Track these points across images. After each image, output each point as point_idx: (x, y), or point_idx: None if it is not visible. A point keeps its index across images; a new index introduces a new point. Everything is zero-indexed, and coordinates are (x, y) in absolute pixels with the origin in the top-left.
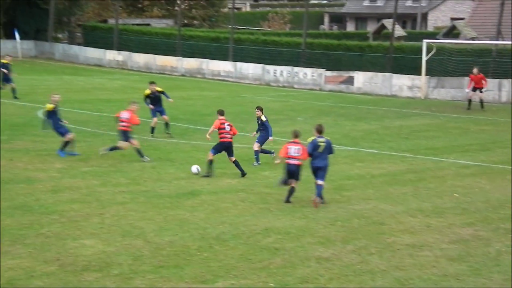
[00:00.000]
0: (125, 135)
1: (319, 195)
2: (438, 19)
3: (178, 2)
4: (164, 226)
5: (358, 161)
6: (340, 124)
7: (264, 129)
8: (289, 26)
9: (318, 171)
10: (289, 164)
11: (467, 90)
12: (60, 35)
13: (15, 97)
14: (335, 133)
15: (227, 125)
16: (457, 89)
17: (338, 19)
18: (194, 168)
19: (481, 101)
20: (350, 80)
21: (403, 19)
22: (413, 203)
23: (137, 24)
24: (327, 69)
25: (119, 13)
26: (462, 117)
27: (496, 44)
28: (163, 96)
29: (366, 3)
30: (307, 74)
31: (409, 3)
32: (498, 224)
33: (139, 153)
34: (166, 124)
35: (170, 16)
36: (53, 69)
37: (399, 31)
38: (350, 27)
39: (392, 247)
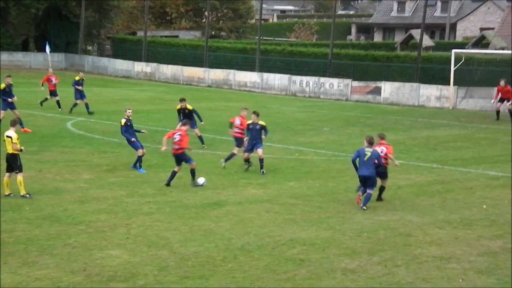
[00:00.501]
0: (238, 141)
1: (366, 201)
2: (467, 29)
3: (206, 14)
4: (189, 236)
5: None
6: (366, 134)
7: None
8: (316, 37)
9: (365, 181)
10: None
11: (493, 101)
12: (89, 48)
13: (90, 113)
14: (361, 143)
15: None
16: (486, 99)
17: (366, 29)
18: (201, 180)
19: (510, 112)
20: (377, 90)
21: (432, 29)
22: (440, 214)
23: (165, 36)
24: (354, 79)
25: (147, 25)
26: (491, 127)
27: None
28: (195, 115)
29: (393, 14)
30: (333, 85)
31: (437, 13)
32: None
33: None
34: (200, 138)
35: (198, 27)
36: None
37: (427, 41)
38: (378, 38)
39: (419, 259)
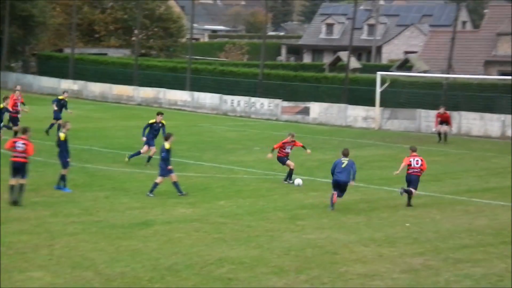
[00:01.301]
0: (282, 160)
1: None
2: (392, 52)
3: (136, 32)
4: (115, 257)
5: (312, 190)
6: (295, 153)
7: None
8: (246, 57)
9: (337, 186)
10: (409, 174)
11: (434, 129)
12: (13, 65)
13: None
14: (309, 160)
15: None
16: (410, 120)
17: (295, 50)
18: (298, 181)
19: (445, 135)
20: (306, 111)
21: (359, 51)
22: (366, 232)
23: (94, 54)
24: (284, 100)
25: (75, 42)
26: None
27: (447, 78)
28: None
29: (322, 36)
30: (264, 104)
31: (364, 36)
32: (448, 254)
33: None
34: (149, 158)
35: (128, 45)
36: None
37: (354, 63)
38: (307, 59)
39: (344, 277)
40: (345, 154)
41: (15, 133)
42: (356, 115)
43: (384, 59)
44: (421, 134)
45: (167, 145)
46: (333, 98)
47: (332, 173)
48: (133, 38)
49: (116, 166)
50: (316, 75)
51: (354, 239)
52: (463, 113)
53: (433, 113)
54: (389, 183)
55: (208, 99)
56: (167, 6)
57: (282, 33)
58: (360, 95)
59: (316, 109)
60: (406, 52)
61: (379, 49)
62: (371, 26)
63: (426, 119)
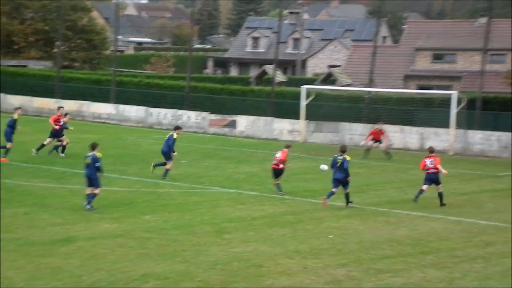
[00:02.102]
0: (276, 173)
1: (347, 201)
2: (316, 66)
3: (58, 43)
4: (35, 275)
5: (239, 203)
6: (222, 166)
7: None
8: (173, 70)
9: (338, 183)
10: (428, 173)
11: (362, 142)
12: None
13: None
14: (218, 175)
15: None
16: (334, 133)
17: (222, 63)
18: (324, 167)
19: (385, 152)
20: (233, 124)
21: (284, 65)
22: (291, 244)
23: (13, 66)
24: (211, 113)
25: None
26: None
27: (368, 91)
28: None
29: (248, 49)
30: (190, 117)
31: (289, 50)
32: (370, 265)
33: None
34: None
35: (49, 57)
36: None
37: (280, 76)
38: (234, 72)
39: None
40: (343, 151)
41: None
42: (282, 128)
43: (309, 73)
44: None
45: (99, 154)
46: (260, 111)
47: (332, 168)
48: (55, 50)
49: (37, 181)
50: (242, 88)
51: (279, 252)
52: (384, 126)
53: (355, 126)
54: (314, 195)
55: (133, 112)
56: (90, 18)
57: (208, 46)
58: (286, 108)
59: (243, 122)
60: (330, 66)
61: (304, 63)
62: (296, 40)
63: (349, 132)
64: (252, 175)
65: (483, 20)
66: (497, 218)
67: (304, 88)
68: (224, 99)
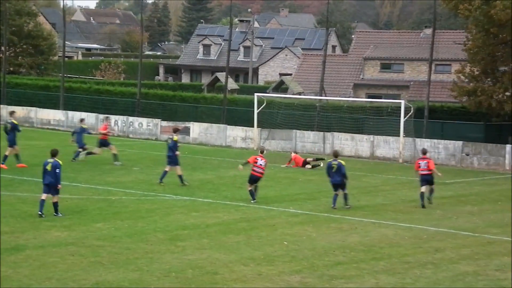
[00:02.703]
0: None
1: (346, 201)
2: (268, 74)
3: (2, 49)
4: None
5: (193, 210)
6: (173, 174)
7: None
8: (123, 76)
9: (337, 186)
10: (422, 175)
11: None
12: None
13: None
14: (170, 183)
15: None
16: (286, 140)
17: (173, 70)
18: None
19: (313, 166)
20: (186, 131)
21: (236, 72)
22: (245, 251)
23: None
24: (163, 119)
25: None
26: (291, 167)
27: (319, 99)
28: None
29: (200, 56)
30: (142, 124)
31: (240, 58)
32: (323, 271)
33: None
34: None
35: None
36: None
37: (232, 84)
38: (185, 79)
39: None
40: (335, 155)
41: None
42: (235, 135)
43: (261, 81)
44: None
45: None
46: (213, 119)
47: (328, 175)
48: (0, 55)
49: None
50: (195, 95)
51: (234, 259)
52: (336, 133)
53: (308, 134)
54: (268, 202)
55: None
56: (37, 23)
57: (159, 53)
58: (238, 115)
59: (196, 129)
60: (281, 74)
61: (255, 71)
62: (247, 48)
63: (301, 140)
64: (206, 182)
65: (428, 31)
66: (446, 225)
67: (256, 95)
68: (176, 106)
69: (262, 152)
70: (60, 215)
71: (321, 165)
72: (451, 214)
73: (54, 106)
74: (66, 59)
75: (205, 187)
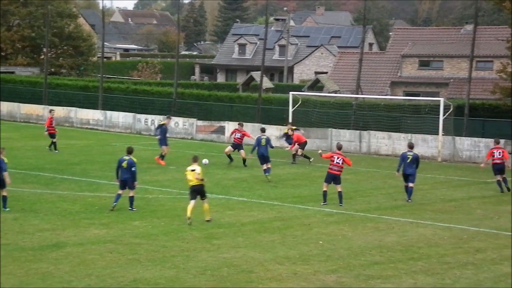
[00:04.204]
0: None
1: (410, 195)
2: (303, 72)
3: (45, 50)
4: (25, 280)
5: (228, 209)
6: (211, 172)
7: None
8: (160, 76)
9: (408, 177)
10: (495, 164)
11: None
12: None
13: None
14: (206, 181)
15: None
16: (322, 139)
17: (209, 70)
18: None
19: (304, 156)
20: (221, 130)
21: (271, 71)
22: (280, 250)
23: (0, 72)
24: (199, 119)
25: None
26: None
27: (356, 98)
28: None
29: (235, 56)
30: (178, 124)
31: (276, 57)
32: (360, 271)
33: None
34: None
35: (36, 64)
36: None
37: (267, 83)
38: (221, 78)
39: None
40: (410, 147)
41: None
42: (269, 134)
43: (296, 79)
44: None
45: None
46: (247, 118)
47: (400, 165)
48: (42, 57)
49: (26, 187)
50: (230, 95)
51: (269, 258)
52: (372, 132)
53: (343, 132)
54: (303, 201)
55: (121, 118)
56: (77, 25)
57: (195, 53)
58: (273, 114)
59: (231, 128)
60: (317, 73)
61: (290, 69)
62: (282, 47)
63: (337, 138)
64: (240, 181)
65: (470, 27)
66: (487, 225)
67: (291, 94)
68: (212, 106)
69: (339, 148)
70: (135, 209)
71: (311, 160)
72: (493, 214)
73: (93, 106)
74: (104, 59)
75: (239, 186)
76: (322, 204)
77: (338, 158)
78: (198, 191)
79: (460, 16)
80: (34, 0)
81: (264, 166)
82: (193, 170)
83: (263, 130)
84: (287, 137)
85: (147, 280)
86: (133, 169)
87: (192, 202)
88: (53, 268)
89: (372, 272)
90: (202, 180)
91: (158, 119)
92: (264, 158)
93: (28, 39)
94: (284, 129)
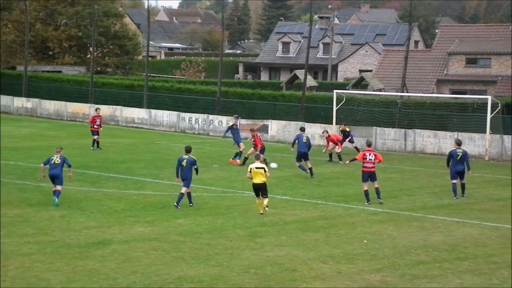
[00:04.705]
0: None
1: (463, 191)
2: (347, 70)
3: (91, 49)
4: (72, 277)
5: (271, 207)
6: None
7: None
8: (204, 75)
9: (460, 174)
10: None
11: (324, 150)
12: None
13: None
14: (249, 180)
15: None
16: (366, 137)
17: (252, 68)
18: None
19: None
20: (264, 128)
21: (315, 69)
22: (324, 249)
23: (47, 71)
24: (242, 117)
25: (28, 60)
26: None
27: (401, 96)
28: None
29: (279, 54)
30: (222, 122)
31: (320, 55)
32: (405, 270)
33: None
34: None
35: (83, 63)
36: None
37: (310, 81)
38: (264, 77)
39: None
40: (458, 144)
41: None
42: (313, 132)
43: (340, 77)
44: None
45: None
46: (291, 116)
47: (449, 163)
48: (88, 56)
49: (72, 185)
50: (273, 93)
51: (313, 256)
52: (418, 130)
53: (388, 131)
54: (347, 200)
55: (165, 116)
56: (122, 24)
57: (239, 51)
58: (317, 113)
59: (274, 126)
60: (361, 71)
61: (335, 67)
62: (327, 45)
63: (382, 137)
64: (283, 180)
65: None
66: None
67: (335, 92)
68: (255, 104)
69: (369, 145)
70: (191, 205)
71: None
72: None
73: (138, 104)
74: (149, 58)
75: (283, 185)
76: (366, 203)
77: (370, 154)
78: (261, 189)
79: (508, 13)
80: (81, 0)
81: (308, 164)
82: (259, 168)
83: (302, 129)
84: (345, 136)
85: (191, 277)
86: (195, 166)
87: (258, 199)
88: (99, 265)
89: (418, 272)
90: (267, 177)
91: (202, 118)
92: (304, 156)
93: (75, 38)
94: (339, 127)
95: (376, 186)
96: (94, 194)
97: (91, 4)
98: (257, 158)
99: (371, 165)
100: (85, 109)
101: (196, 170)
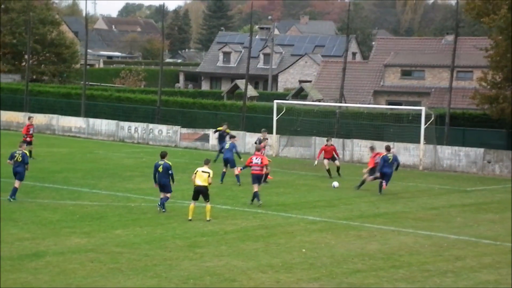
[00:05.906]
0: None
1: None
2: (287, 81)
3: (26, 57)
4: None
5: (212, 217)
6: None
7: None
8: (144, 84)
9: (386, 175)
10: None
11: (316, 162)
12: None
13: None
14: (189, 189)
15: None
16: (305, 147)
17: (193, 77)
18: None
19: (338, 168)
20: (205, 138)
21: (256, 79)
22: (263, 259)
23: None
24: (183, 126)
25: None
26: (310, 174)
27: (339, 106)
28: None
29: (219, 64)
30: (162, 131)
31: (260, 65)
32: (342, 279)
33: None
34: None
35: (18, 71)
36: None
37: (251, 91)
38: (205, 86)
39: None
40: (388, 149)
41: None
42: (254, 142)
43: (280, 88)
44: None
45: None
46: (232, 125)
47: (381, 167)
48: (24, 63)
49: (5, 195)
50: (214, 103)
51: (252, 266)
52: (355, 140)
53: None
54: (286, 209)
55: (104, 125)
56: (59, 32)
57: (179, 60)
58: (257, 122)
59: (215, 136)
60: (301, 81)
61: (275, 78)
62: (267, 55)
63: (321, 146)
64: (224, 189)
65: (450, 37)
66: (466, 233)
67: (276, 102)
68: (196, 113)
69: (258, 150)
70: (163, 209)
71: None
72: (472, 222)
73: (75, 113)
74: (88, 67)
75: (223, 194)
76: (249, 203)
77: (257, 158)
78: (202, 193)
79: (441, 27)
80: (16, 7)
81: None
82: (205, 172)
83: (231, 137)
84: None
85: None
86: (170, 172)
87: (193, 203)
88: (32, 278)
89: (354, 280)
90: (210, 184)
91: (141, 127)
92: (228, 162)
93: (9, 46)
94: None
95: (256, 190)
96: (28, 205)
97: (26, 11)
98: (206, 163)
99: (258, 168)
100: (19, 117)
101: (172, 176)
